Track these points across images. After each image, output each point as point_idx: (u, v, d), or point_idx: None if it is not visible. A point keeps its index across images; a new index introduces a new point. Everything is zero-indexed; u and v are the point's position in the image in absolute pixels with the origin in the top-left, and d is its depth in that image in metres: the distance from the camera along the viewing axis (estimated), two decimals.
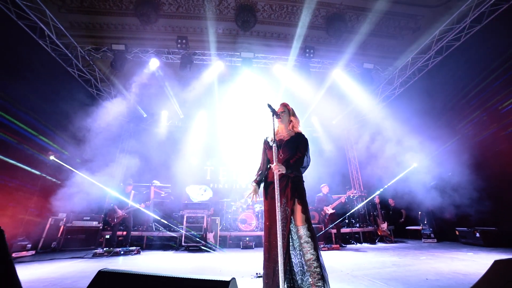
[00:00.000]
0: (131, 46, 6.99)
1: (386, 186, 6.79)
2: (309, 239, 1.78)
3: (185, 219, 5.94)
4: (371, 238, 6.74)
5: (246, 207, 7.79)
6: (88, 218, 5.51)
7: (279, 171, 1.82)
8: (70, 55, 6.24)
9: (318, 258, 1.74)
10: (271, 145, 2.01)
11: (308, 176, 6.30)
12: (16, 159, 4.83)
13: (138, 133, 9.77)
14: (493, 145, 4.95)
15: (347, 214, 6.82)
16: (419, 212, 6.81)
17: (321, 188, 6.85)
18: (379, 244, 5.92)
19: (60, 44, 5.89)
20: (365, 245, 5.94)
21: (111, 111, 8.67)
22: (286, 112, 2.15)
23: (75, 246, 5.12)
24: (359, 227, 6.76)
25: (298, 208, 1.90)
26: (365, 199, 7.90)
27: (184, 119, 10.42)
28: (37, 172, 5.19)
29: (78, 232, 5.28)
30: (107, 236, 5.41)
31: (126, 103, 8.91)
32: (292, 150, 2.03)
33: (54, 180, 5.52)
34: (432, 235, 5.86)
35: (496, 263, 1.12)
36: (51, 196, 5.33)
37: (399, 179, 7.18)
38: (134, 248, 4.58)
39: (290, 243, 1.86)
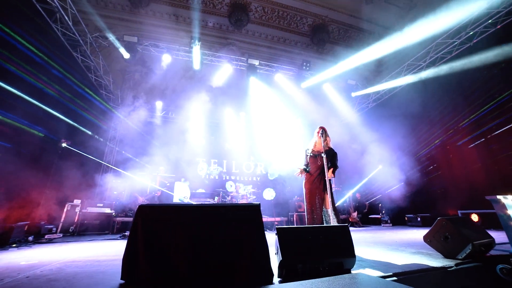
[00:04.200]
0: (143, 39, 7.12)
1: (361, 184, 8.45)
2: (335, 216, 2.89)
3: None
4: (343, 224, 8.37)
5: (241, 197, 8.68)
6: (102, 205, 5.79)
7: (331, 176, 2.92)
8: (81, 42, 6.16)
9: None
10: (314, 155, 3.07)
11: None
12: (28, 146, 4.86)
13: (132, 121, 9.73)
14: (435, 157, 6.85)
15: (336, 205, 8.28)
16: (380, 204, 8.69)
17: None
18: (351, 228, 7.54)
19: (74, 30, 5.82)
20: None
21: (107, 98, 8.57)
22: (325, 133, 3.16)
23: (91, 231, 5.43)
24: None
25: (327, 197, 2.98)
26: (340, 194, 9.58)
27: (177, 111, 10.68)
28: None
29: (93, 218, 5.56)
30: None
31: (122, 92, 8.89)
32: (328, 159, 3.08)
33: (67, 166, 5.62)
34: (388, 221, 7.72)
35: (439, 219, 2.35)
36: (65, 182, 5.47)
37: (365, 177, 8.97)
38: None
39: (324, 218, 2.93)
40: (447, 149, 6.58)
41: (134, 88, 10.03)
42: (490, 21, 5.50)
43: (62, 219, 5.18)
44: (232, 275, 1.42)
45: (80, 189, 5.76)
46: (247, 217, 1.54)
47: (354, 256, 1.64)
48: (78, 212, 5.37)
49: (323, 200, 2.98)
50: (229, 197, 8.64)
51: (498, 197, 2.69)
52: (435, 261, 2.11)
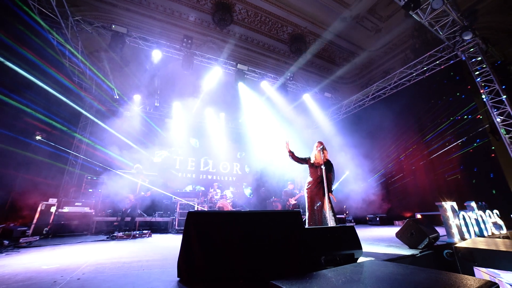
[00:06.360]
0: (131, 31, 6.77)
1: (334, 187, 9.47)
2: (333, 217, 3.49)
3: (178, 206, 6.63)
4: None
5: (220, 197, 8.89)
6: (80, 203, 5.42)
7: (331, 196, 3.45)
8: (62, 24, 5.60)
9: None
10: (315, 166, 3.62)
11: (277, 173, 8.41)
12: None
13: (106, 114, 9.04)
14: (393, 168, 8.25)
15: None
16: (344, 206, 9.92)
17: (288, 185, 8.82)
18: None
19: (56, 10, 5.28)
20: None
21: (80, 85, 7.86)
22: (323, 147, 3.74)
23: (68, 232, 5.06)
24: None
25: (326, 201, 3.57)
26: None
27: (158, 107, 10.32)
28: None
29: (70, 217, 5.18)
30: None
31: (97, 81, 8.24)
32: (326, 170, 3.66)
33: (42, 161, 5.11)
34: (352, 220, 8.92)
35: (408, 220, 3.13)
36: (38, 179, 4.98)
37: (336, 181, 10.12)
38: (146, 231, 5.13)
39: (324, 218, 3.51)
40: (402, 163, 8.00)
41: (110, 77, 9.32)
42: (437, 61, 6.93)
43: (35, 220, 4.72)
44: (279, 267, 1.81)
45: (56, 186, 5.29)
46: (290, 220, 1.94)
47: (361, 248, 2.20)
48: (54, 212, 4.94)
49: (322, 204, 3.55)
50: (209, 196, 8.77)
51: (442, 203, 3.66)
52: (405, 250, 2.85)
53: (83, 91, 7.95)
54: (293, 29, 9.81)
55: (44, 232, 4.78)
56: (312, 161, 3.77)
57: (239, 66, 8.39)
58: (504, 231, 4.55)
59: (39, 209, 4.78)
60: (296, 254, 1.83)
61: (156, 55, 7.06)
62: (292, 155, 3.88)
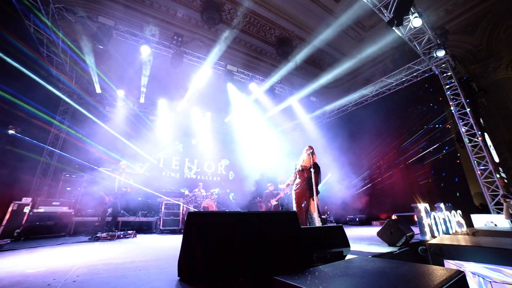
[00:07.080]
0: (119, 24, 6.49)
1: (319, 187, 9.84)
2: (319, 218, 3.69)
3: (163, 206, 6.50)
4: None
5: (205, 196, 8.81)
6: (58, 203, 5.10)
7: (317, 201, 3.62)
8: (42, 10, 5.22)
9: None
10: (302, 169, 3.80)
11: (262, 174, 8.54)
12: None
13: (90, 103, 8.54)
14: (372, 172, 8.80)
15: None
16: (326, 207, 10.35)
17: (268, 187, 8.97)
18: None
19: None
20: None
21: (58, 77, 7.36)
22: (312, 151, 3.92)
23: (44, 233, 4.73)
24: None
25: (312, 203, 3.75)
26: None
27: (143, 105, 9.97)
28: None
29: (46, 218, 4.85)
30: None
31: (77, 74, 7.78)
32: (313, 173, 3.84)
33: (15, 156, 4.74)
34: (333, 221, 9.36)
35: (388, 220, 3.43)
36: (9, 177, 4.60)
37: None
38: (131, 232, 4.97)
39: (309, 220, 3.69)
40: (380, 168, 8.58)
41: (93, 67, 8.82)
42: (414, 74, 7.55)
43: (5, 221, 4.35)
44: (278, 265, 1.92)
45: (28, 182, 4.92)
46: (288, 220, 2.06)
47: (349, 246, 2.39)
48: (28, 212, 4.59)
49: (309, 205, 3.72)
50: (194, 197, 8.66)
51: (418, 204, 4.04)
52: (385, 248, 3.12)
53: (62, 74, 7.41)
54: (280, 32, 10.03)
55: (15, 234, 4.43)
56: (300, 165, 3.94)
57: (228, 67, 8.41)
58: (465, 228, 5.14)
59: (10, 209, 4.41)
60: (295, 252, 1.95)
61: (145, 50, 6.83)
62: (291, 183, 4.02)
